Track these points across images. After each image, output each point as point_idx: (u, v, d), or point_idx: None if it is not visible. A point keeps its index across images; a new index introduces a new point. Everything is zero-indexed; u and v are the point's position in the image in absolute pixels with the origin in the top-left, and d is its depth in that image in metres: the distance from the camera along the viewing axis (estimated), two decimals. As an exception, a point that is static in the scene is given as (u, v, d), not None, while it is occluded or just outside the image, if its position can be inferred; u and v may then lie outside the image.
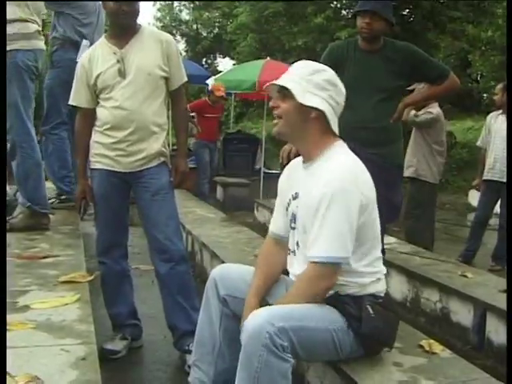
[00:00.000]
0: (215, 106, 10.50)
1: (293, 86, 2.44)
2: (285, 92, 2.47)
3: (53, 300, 2.89)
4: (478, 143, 7.22)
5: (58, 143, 5.35)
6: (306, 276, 2.40)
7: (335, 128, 2.52)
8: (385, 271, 2.59)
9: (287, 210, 2.64)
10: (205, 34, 37.53)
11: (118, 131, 3.50)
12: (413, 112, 6.18)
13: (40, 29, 4.34)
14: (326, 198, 2.34)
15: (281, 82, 2.49)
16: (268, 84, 2.58)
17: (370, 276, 2.50)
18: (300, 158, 2.66)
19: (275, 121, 2.56)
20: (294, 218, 2.58)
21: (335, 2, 20.97)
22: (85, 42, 5.23)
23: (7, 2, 4.05)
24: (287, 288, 2.63)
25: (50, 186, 5.79)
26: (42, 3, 4.39)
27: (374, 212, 2.51)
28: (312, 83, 2.46)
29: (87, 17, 5.31)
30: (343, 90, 2.55)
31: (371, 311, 2.42)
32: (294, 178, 2.66)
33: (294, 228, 2.59)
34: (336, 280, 2.42)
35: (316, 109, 2.45)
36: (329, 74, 2.52)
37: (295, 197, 2.58)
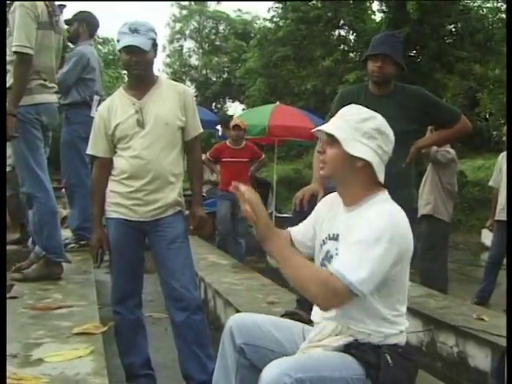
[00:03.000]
0: (238, 149, 8.58)
1: (340, 134, 2.39)
2: (333, 138, 2.42)
3: (67, 353, 2.87)
4: (491, 183, 7.26)
5: (83, 197, 5.48)
6: (331, 282, 2.25)
7: (381, 177, 2.48)
8: (407, 325, 2.56)
9: (321, 247, 2.61)
10: (214, 79, 38.09)
11: (135, 180, 3.54)
12: (434, 148, 6.21)
13: (46, 82, 4.38)
14: (371, 237, 2.28)
15: (329, 128, 2.43)
16: (316, 129, 2.51)
17: (395, 328, 2.46)
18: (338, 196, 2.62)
19: (321, 164, 2.51)
20: (330, 259, 2.53)
21: (343, 45, 21.21)
22: (96, 97, 5.45)
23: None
24: (304, 336, 2.61)
25: (67, 235, 5.85)
26: (50, 55, 4.43)
27: (408, 265, 2.47)
28: (360, 132, 2.40)
29: (95, 72, 5.66)
30: (391, 137, 2.50)
31: (390, 360, 2.37)
32: (334, 216, 2.60)
33: None
34: (341, 306, 2.35)
35: (362, 159, 2.41)
36: (378, 121, 2.47)
37: (334, 238, 2.54)
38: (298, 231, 2.78)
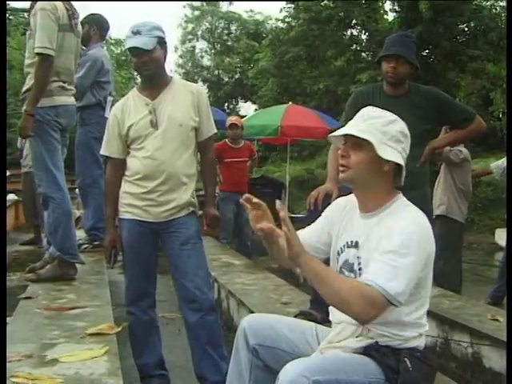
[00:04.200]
0: (238, 148, 8.45)
1: (371, 138, 2.35)
2: (359, 142, 2.38)
3: (81, 353, 2.88)
4: (492, 165, 7.28)
5: (97, 197, 5.54)
6: (370, 295, 2.20)
7: (402, 180, 2.46)
8: (427, 327, 2.53)
9: (339, 254, 2.57)
10: (226, 79, 38.09)
11: (148, 181, 3.54)
12: (447, 148, 6.19)
13: (65, 85, 4.41)
14: (402, 246, 2.25)
15: (357, 132, 2.37)
16: (344, 132, 2.43)
17: (415, 331, 2.44)
18: (353, 201, 2.58)
19: (342, 168, 2.45)
20: (350, 268, 2.50)
21: (355, 45, 21.16)
22: (109, 98, 5.50)
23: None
24: (318, 337, 2.61)
25: (81, 235, 5.88)
26: (69, 57, 4.45)
27: (431, 269, 2.45)
28: (388, 135, 2.38)
29: (109, 74, 5.73)
30: (410, 140, 2.48)
31: (409, 364, 2.35)
32: (350, 222, 2.58)
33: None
34: (378, 317, 2.29)
35: (389, 162, 2.38)
36: (401, 124, 2.46)
37: (353, 245, 2.50)
38: (310, 235, 2.71)
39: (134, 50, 3.47)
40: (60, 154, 4.46)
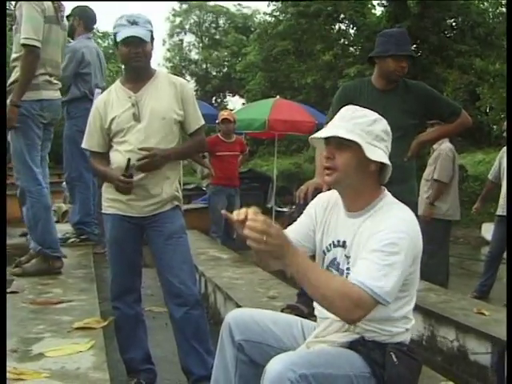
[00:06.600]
0: (231, 142, 8.42)
1: (359, 139, 2.30)
2: (344, 143, 2.32)
3: (67, 347, 2.87)
4: (489, 176, 7.26)
5: (84, 192, 5.54)
6: (356, 295, 2.16)
7: (387, 178, 2.43)
8: (413, 322, 2.54)
9: (325, 253, 2.55)
10: (214, 73, 38.12)
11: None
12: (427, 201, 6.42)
13: (51, 79, 4.39)
14: (390, 245, 2.24)
15: (344, 134, 2.31)
16: (331, 134, 2.36)
17: (402, 327, 2.45)
18: (335, 198, 2.57)
19: (327, 171, 2.39)
20: (337, 267, 2.49)
21: (343, 39, 21.19)
22: (97, 91, 5.48)
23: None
24: (303, 331, 2.61)
25: (67, 228, 5.87)
26: (56, 49, 4.43)
27: (419, 265, 2.44)
28: (373, 135, 2.34)
29: (91, 66, 5.75)
30: (391, 137, 2.45)
31: (395, 359, 2.36)
32: (336, 221, 2.55)
33: None
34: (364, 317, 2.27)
35: (376, 161, 2.34)
36: (384, 122, 2.41)
37: (340, 245, 2.48)
38: (294, 232, 2.64)
39: (130, 40, 3.40)
40: (39, 150, 4.43)
